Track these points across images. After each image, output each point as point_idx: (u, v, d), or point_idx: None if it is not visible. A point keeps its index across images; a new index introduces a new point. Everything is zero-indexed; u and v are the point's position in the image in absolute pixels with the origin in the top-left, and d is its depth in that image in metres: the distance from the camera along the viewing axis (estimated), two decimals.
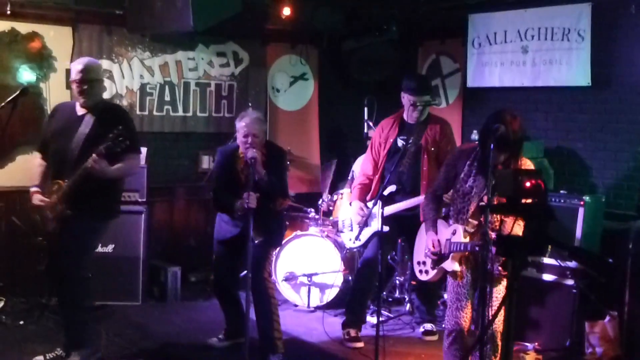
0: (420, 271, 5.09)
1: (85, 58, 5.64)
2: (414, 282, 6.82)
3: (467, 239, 4.68)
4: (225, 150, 5.85)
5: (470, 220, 4.67)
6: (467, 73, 7.77)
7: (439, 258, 4.83)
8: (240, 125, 5.57)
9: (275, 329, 5.54)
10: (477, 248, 4.59)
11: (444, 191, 5.03)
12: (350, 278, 6.90)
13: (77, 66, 5.38)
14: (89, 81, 5.35)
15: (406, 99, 6.14)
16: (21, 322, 6.27)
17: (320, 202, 7.43)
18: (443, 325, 5.37)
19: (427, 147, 6.07)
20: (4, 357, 5.57)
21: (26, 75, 6.84)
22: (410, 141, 6.06)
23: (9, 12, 6.65)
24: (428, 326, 6.40)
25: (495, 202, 4.30)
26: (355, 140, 8.37)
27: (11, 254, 6.82)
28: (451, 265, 4.76)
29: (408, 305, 6.96)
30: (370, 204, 6.21)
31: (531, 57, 7.13)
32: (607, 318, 5.80)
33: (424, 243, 4.98)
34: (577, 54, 6.74)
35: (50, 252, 5.45)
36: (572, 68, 6.79)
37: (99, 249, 6.25)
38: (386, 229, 5.71)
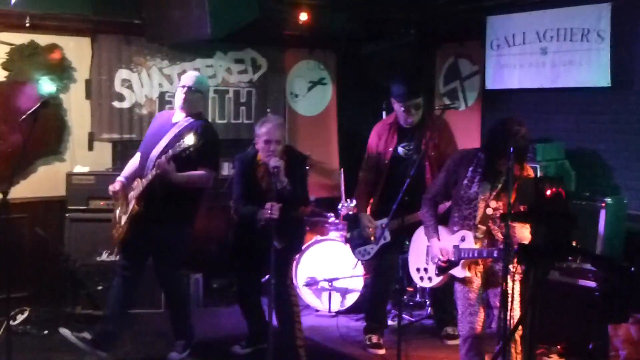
0: (422, 278, 5.06)
1: (198, 73, 6.32)
2: (410, 289, 6.93)
3: (478, 245, 4.67)
4: (244, 158, 5.78)
5: (479, 226, 4.66)
6: (485, 75, 7.74)
7: (447, 265, 4.81)
8: (262, 131, 5.49)
9: (297, 336, 5.55)
10: (495, 255, 4.58)
11: (442, 197, 5.01)
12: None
13: (190, 75, 5.89)
14: (194, 91, 5.75)
15: (396, 105, 6.05)
16: (46, 332, 6.33)
17: (339, 207, 7.44)
18: None
19: (428, 152, 5.96)
20: None
21: (46, 86, 6.89)
22: (412, 148, 6.03)
23: (28, 25, 6.72)
24: (449, 330, 6.37)
25: (515, 211, 4.27)
26: None
27: (35, 263, 6.88)
28: (462, 272, 4.74)
29: (429, 309, 6.94)
30: (379, 222, 6.13)
31: (550, 58, 7.08)
32: (631, 320, 5.76)
33: (421, 249, 4.97)
34: (597, 54, 6.68)
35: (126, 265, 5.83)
36: (592, 69, 6.73)
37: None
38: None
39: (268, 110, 7.91)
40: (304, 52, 8.52)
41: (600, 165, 6.86)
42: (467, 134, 7.53)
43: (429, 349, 6.20)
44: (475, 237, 4.68)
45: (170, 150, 5.40)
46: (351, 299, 7.03)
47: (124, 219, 5.74)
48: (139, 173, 5.78)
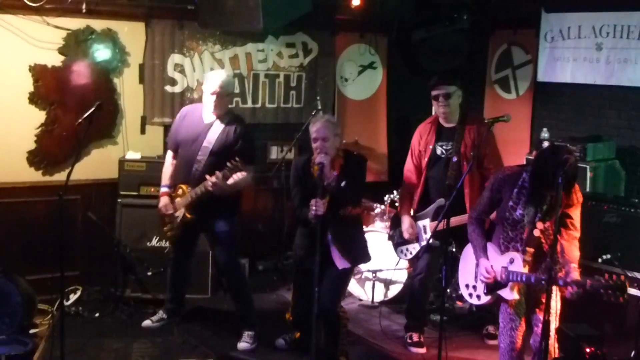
0: (470, 295, 5.07)
1: (222, 72, 6.26)
2: (459, 303, 6.94)
3: (527, 268, 4.68)
4: (298, 163, 5.76)
5: (527, 249, 4.67)
6: (538, 66, 7.64)
7: (494, 285, 4.83)
8: (312, 130, 5.52)
9: (339, 348, 5.65)
10: (543, 282, 4.58)
11: (488, 215, 5.01)
12: None
13: (215, 80, 5.92)
14: (224, 95, 5.94)
15: (432, 96, 6.13)
16: (97, 315, 6.55)
17: (386, 198, 7.47)
18: None
19: (466, 153, 5.98)
20: (84, 352, 5.85)
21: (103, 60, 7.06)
22: (450, 148, 6.03)
23: (84, 10, 6.80)
24: (491, 329, 6.41)
25: None
26: None
27: (87, 244, 7.08)
28: (510, 294, 4.76)
29: (456, 301, 7.00)
30: (420, 223, 6.21)
31: (605, 54, 6.96)
32: None
33: (470, 266, 4.98)
34: None
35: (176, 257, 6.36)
36: None
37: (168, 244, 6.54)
38: (437, 243, 5.84)
39: (317, 97, 7.93)
40: (355, 36, 8.48)
41: None
42: (517, 124, 7.48)
43: (470, 349, 6.25)
44: (524, 261, 4.69)
45: (219, 174, 5.66)
46: (394, 290, 7.11)
47: (175, 221, 6.05)
48: (182, 177, 6.05)
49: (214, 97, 5.89)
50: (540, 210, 4.65)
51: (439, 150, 6.13)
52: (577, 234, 4.76)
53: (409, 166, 6.35)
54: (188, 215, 5.95)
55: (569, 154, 4.49)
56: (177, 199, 6.02)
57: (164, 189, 6.15)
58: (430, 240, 5.81)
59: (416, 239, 6.20)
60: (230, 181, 5.75)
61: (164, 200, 6.10)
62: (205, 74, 6.32)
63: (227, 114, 6.05)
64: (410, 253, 6.29)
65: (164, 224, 6.18)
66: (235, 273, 6.27)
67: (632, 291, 5.80)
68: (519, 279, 4.68)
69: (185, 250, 6.31)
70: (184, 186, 6.01)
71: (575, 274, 4.57)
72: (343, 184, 5.36)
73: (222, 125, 5.96)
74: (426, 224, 6.12)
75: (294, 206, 5.70)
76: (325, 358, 5.60)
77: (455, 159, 5.98)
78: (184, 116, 6.18)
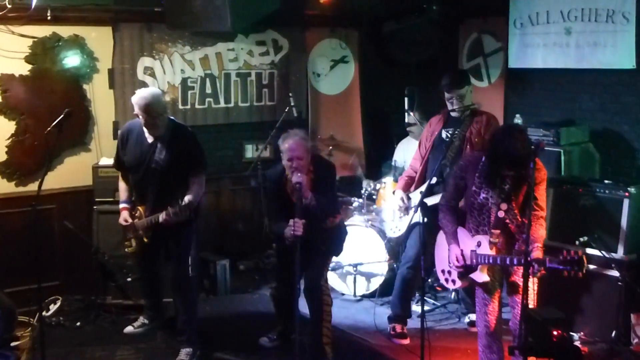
0: (447, 280, 5.16)
1: (147, 91, 5.82)
2: (438, 288, 6.98)
3: (494, 250, 4.74)
4: (273, 175, 5.69)
5: (492, 231, 4.71)
6: (509, 53, 7.66)
7: (465, 270, 4.88)
8: (284, 147, 5.44)
9: (324, 334, 5.62)
10: (507, 262, 4.64)
11: (457, 201, 5.05)
12: (395, 266, 6.96)
13: (141, 102, 5.64)
14: (157, 116, 5.66)
15: (445, 95, 6.14)
16: (78, 324, 6.49)
17: (363, 191, 7.47)
18: None
19: (470, 137, 6.05)
20: None
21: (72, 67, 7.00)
22: (456, 133, 6.08)
23: (49, 18, 6.73)
24: (473, 317, 6.43)
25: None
26: (398, 121, 8.32)
27: (65, 253, 7.02)
28: (480, 276, 4.84)
29: (453, 293, 7.00)
30: (412, 195, 6.27)
31: (575, 38, 6.99)
32: None
33: (445, 252, 5.03)
34: (622, 36, 6.58)
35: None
36: (617, 50, 6.64)
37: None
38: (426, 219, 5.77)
39: (290, 94, 7.93)
40: (326, 31, 8.47)
41: (625, 147, 6.81)
42: (490, 112, 7.41)
43: (453, 338, 6.27)
44: (490, 242, 4.75)
45: (170, 212, 5.51)
46: (376, 283, 7.11)
47: (134, 240, 6.01)
48: (138, 198, 5.94)
49: (150, 118, 5.65)
50: (502, 191, 4.70)
51: (444, 134, 6.20)
52: (543, 214, 4.82)
53: (416, 154, 6.43)
54: (145, 240, 5.87)
55: (521, 132, 4.54)
56: (136, 221, 5.89)
57: (123, 205, 5.98)
58: (418, 211, 5.76)
59: (406, 213, 6.29)
60: (186, 201, 5.58)
61: (124, 215, 5.95)
62: (137, 94, 5.79)
63: (167, 129, 5.76)
64: (399, 230, 6.42)
65: (125, 239, 6.09)
66: (183, 285, 5.93)
67: (610, 272, 5.87)
68: (485, 261, 4.76)
69: (149, 260, 6.19)
70: (141, 208, 5.87)
71: (537, 253, 4.64)
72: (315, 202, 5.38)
73: (166, 143, 5.72)
74: (416, 201, 6.16)
75: (267, 219, 5.67)
76: (310, 350, 5.60)
77: (458, 142, 6.05)
78: (126, 136, 5.91)
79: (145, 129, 5.76)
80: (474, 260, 4.81)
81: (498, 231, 4.74)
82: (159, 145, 5.73)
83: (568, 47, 7.07)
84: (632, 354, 5.73)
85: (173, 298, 6.04)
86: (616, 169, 6.82)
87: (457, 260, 4.87)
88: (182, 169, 5.71)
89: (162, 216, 5.58)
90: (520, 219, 4.74)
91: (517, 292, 4.80)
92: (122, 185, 6.07)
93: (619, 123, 6.85)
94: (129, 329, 6.34)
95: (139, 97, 5.69)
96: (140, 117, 5.68)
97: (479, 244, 4.80)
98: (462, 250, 4.89)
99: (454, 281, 5.08)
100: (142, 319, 6.40)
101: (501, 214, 4.73)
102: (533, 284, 4.77)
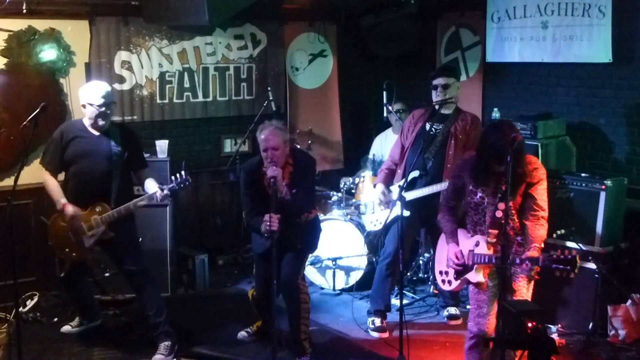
0: (443, 281, 5.09)
1: (98, 82, 5.85)
2: (436, 291, 6.93)
3: (491, 250, 4.70)
4: (249, 168, 5.60)
5: (490, 231, 4.68)
6: (486, 47, 7.69)
7: (462, 269, 4.86)
8: (260, 138, 5.36)
9: (302, 331, 5.60)
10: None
11: (456, 201, 5.03)
12: (374, 260, 6.98)
13: (100, 91, 5.61)
14: (111, 104, 5.72)
15: (431, 85, 6.18)
16: (55, 320, 6.43)
17: (342, 185, 7.47)
18: (467, 307, 5.48)
19: (456, 133, 6.07)
20: (45, 358, 5.75)
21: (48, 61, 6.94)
22: (440, 128, 6.09)
23: (25, 11, 6.66)
24: (452, 310, 6.49)
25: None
26: (376, 114, 8.34)
27: (42, 248, 6.92)
28: (475, 276, 4.77)
29: (432, 287, 7.03)
30: (392, 188, 6.28)
31: (551, 32, 7.03)
32: (630, 301, 5.85)
33: (445, 253, 5.00)
34: (598, 30, 6.62)
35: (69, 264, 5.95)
36: (593, 44, 6.69)
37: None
38: (407, 213, 5.76)
39: (269, 88, 7.92)
40: (304, 25, 8.46)
41: (601, 140, 6.87)
42: (468, 106, 7.43)
43: (432, 331, 6.29)
44: (488, 242, 4.71)
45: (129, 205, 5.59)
46: (355, 277, 7.12)
47: (87, 241, 5.74)
48: (97, 193, 5.68)
49: (103, 109, 5.58)
50: (499, 190, 4.67)
51: (428, 127, 6.19)
52: (543, 214, 4.69)
53: (395, 144, 6.43)
54: (111, 233, 5.69)
55: (511, 127, 4.52)
56: (95, 217, 5.65)
57: (64, 201, 5.70)
58: (397, 204, 5.71)
59: (386, 205, 6.30)
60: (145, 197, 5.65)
61: (73, 208, 5.64)
62: (88, 86, 5.74)
63: (112, 123, 5.80)
64: (380, 223, 6.42)
65: (67, 245, 5.81)
66: (143, 280, 5.81)
67: (587, 265, 5.90)
68: (482, 260, 4.70)
69: (79, 268, 6.03)
70: (104, 203, 5.65)
71: (532, 252, 4.59)
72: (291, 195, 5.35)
73: (118, 136, 5.73)
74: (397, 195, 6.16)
75: (244, 211, 5.63)
76: (288, 346, 5.60)
77: (441, 137, 6.06)
78: (67, 135, 5.72)
79: (88, 126, 5.68)
80: (471, 260, 4.76)
81: (496, 231, 4.67)
82: (110, 138, 5.71)
83: (545, 41, 7.11)
84: (609, 345, 5.79)
85: (135, 295, 5.95)
86: (593, 162, 6.87)
87: (456, 258, 4.83)
88: (133, 159, 5.78)
89: (159, 192, 5.52)
90: (517, 220, 4.69)
91: (513, 295, 4.76)
92: (53, 183, 5.78)
93: (596, 116, 6.90)
94: (66, 328, 6.24)
95: (94, 88, 5.65)
96: (92, 109, 5.59)
97: (477, 244, 4.76)
98: (460, 250, 4.85)
99: (450, 282, 5.01)
100: (78, 319, 6.28)
101: (499, 214, 4.68)
102: (527, 289, 4.74)
